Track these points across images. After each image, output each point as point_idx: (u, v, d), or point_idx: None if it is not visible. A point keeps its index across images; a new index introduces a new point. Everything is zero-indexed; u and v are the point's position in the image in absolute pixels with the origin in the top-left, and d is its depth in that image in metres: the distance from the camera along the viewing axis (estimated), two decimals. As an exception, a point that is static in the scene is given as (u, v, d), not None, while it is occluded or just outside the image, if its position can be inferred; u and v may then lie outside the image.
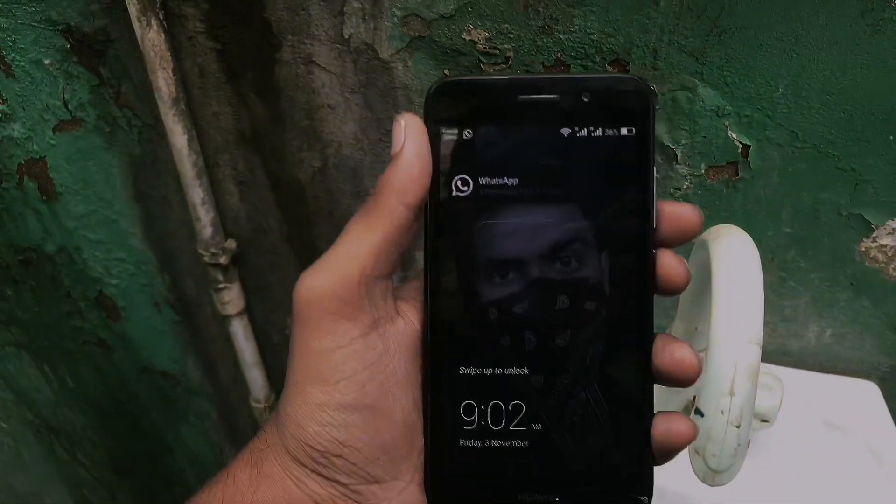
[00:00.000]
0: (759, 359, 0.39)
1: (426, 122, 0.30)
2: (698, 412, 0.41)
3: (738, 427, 0.39)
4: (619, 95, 0.30)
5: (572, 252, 0.31)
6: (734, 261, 0.41)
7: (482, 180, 0.31)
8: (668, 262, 0.31)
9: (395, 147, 0.30)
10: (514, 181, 0.30)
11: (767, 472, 0.61)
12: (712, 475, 0.41)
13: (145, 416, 1.08)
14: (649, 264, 0.31)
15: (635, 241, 0.31)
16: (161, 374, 1.01)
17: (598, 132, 0.30)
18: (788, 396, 0.59)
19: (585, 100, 0.30)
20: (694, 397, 0.47)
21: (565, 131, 0.30)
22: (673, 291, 0.31)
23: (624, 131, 0.30)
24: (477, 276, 0.31)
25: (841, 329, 0.69)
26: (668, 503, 0.58)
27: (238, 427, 1.08)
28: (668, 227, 0.31)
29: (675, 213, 0.31)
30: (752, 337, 0.39)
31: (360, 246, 0.30)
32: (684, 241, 0.32)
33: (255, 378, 0.92)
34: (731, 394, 0.39)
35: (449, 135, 0.30)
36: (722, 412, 0.39)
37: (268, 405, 0.95)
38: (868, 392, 0.68)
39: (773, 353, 0.72)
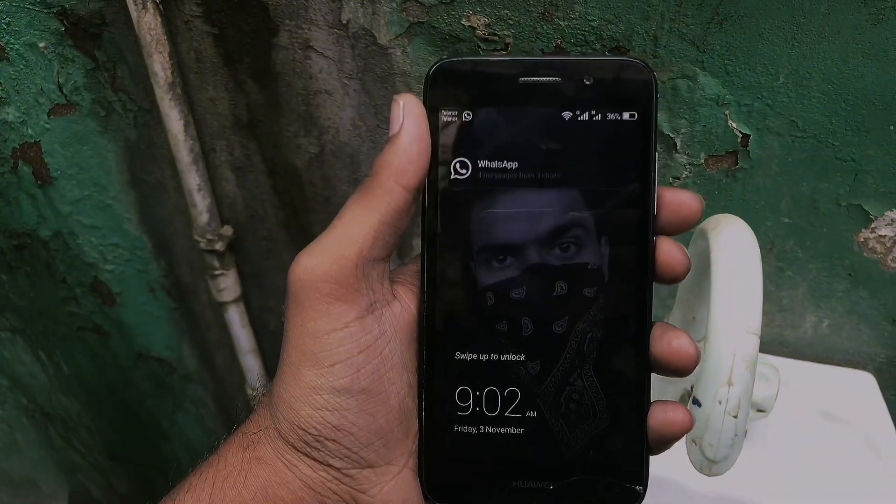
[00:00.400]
0: (758, 349, 0.39)
1: (425, 103, 0.30)
2: (696, 402, 0.41)
3: (735, 417, 0.39)
4: (622, 78, 0.29)
5: (571, 238, 0.30)
6: (734, 250, 0.41)
7: (481, 163, 0.30)
8: (668, 250, 0.31)
9: (394, 128, 0.29)
10: (514, 164, 0.30)
11: (763, 462, 0.61)
12: (709, 465, 0.41)
13: (141, 403, 1.08)
14: (649, 251, 0.30)
15: (635, 227, 0.30)
16: (157, 360, 1.01)
17: (600, 116, 0.29)
18: (785, 387, 0.59)
19: (587, 82, 0.29)
20: (691, 387, 0.47)
21: (566, 114, 0.29)
22: (672, 279, 0.31)
23: (626, 115, 0.29)
24: (475, 261, 0.31)
25: (838, 319, 0.69)
26: (665, 492, 0.58)
27: (234, 415, 1.08)
28: (669, 215, 0.31)
29: (675, 200, 0.31)
30: (751, 327, 0.39)
31: (357, 227, 0.29)
32: (684, 229, 0.31)
33: (252, 365, 0.92)
34: (729, 384, 0.39)
35: (448, 116, 0.30)
36: (719, 402, 0.39)
37: (264, 393, 0.95)
38: (864, 383, 0.68)
39: (770, 344, 0.72)
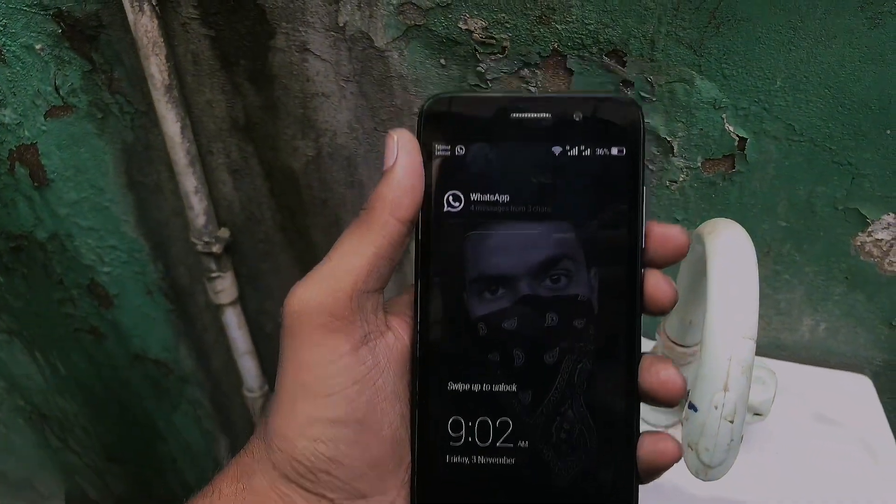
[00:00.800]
0: (754, 354, 0.39)
1: (419, 138, 0.30)
2: (692, 406, 0.41)
3: (731, 422, 0.39)
4: (610, 115, 0.30)
5: (561, 270, 0.31)
6: (730, 255, 0.41)
7: (473, 196, 0.31)
8: (656, 283, 0.31)
9: (388, 161, 0.30)
10: (505, 198, 0.31)
11: (760, 465, 0.61)
12: (705, 470, 0.41)
13: (137, 404, 1.08)
14: (637, 284, 0.31)
15: (624, 260, 0.31)
16: (153, 362, 1.01)
17: (589, 152, 0.30)
18: (781, 390, 0.59)
19: (577, 119, 0.30)
20: (688, 391, 0.47)
21: (556, 150, 0.30)
22: (660, 312, 0.32)
23: (614, 151, 0.30)
24: (466, 292, 0.31)
25: (835, 323, 0.69)
26: (662, 497, 0.58)
27: (230, 416, 1.08)
28: (656, 248, 0.31)
29: (663, 234, 0.31)
30: (747, 332, 0.39)
31: (352, 260, 0.30)
32: (671, 262, 0.32)
33: (248, 367, 0.92)
34: (725, 389, 0.39)
35: (441, 150, 0.31)
36: (715, 407, 0.39)
37: (261, 394, 0.95)
38: (861, 386, 0.69)
39: (767, 347, 0.72)
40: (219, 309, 0.86)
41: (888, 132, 0.55)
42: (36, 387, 1.07)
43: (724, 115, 0.57)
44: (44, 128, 0.76)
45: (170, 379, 1.04)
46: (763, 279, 0.65)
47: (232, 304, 0.86)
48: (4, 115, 0.74)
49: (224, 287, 0.84)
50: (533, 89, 0.60)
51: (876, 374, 0.70)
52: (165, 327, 0.96)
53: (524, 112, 0.30)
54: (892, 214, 0.59)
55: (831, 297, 0.67)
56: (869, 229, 0.61)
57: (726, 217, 0.46)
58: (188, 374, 1.03)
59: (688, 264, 0.50)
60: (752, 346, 0.39)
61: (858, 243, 0.62)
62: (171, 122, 0.71)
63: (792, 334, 0.71)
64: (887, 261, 0.62)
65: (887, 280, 0.64)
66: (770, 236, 0.64)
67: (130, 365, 1.01)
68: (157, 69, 0.68)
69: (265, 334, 0.92)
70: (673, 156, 0.60)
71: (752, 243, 0.42)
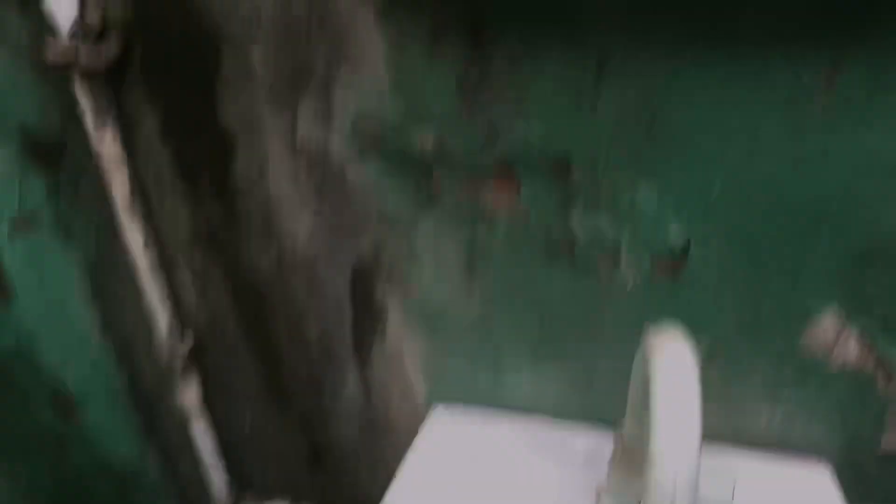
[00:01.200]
0: (699, 469, 0.40)
1: None
2: (643, 522, 0.41)
3: (681, 539, 0.40)
4: None
5: None
6: (671, 376, 0.42)
7: None
8: None
9: None
10: None
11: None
12: (659, 586, 0.41)
13: (103, 514, 1.06)
14: None
15: None
16: (119, 471, 0.99)
17: None
18: (741, 481, 0.59)
19: None
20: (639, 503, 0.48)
21: None
22: None
23: None
24: None
25: (791, 411, 0.70)
26: None
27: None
28: None
29: None
30: (690, 448, 0.40)
31: None
32: None
33: (215, 475, 0.91)
34: (673, 506, 0.39)
35: None
36: (665, 524, 0.40)
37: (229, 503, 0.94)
38: (820, 474, 0.69)
39: (726, 436, 0.73)
40: (184, 415, 0.86)
41: (825, 227, 0.58)
42: (-1, 497, 1.05)
43: (667, 221, 0.59)
44: (8, 242, 0.76)
45: (136, 488, 1.02)
46: (717, 372, 0.67)
47: (197, 410, 0.85)
48: (-32, 234, 0.75)
49: (190, 395, 0.83)
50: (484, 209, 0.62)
51: (834, 462, 0.71)
52: (131, 436, 0.95)
53: None
54: (835, 308, 0.61)
55: (784, 390, 0.68)
56: (815, 324, 0.63)
57: (676, 318, 0.47)
58: (155, 483, 1.01)
59: (638, 373, 0.51)
60: (696, 461, 0.40)
61: (806, 338, 0.64)
62: (135, 235, 0.72)
63: (750, 423, 0.72)
64: (834, 353, 0.64)
65: (836, 372, 0.65)
66: (719, 333, 0.65)
67: (96, 474, 0.99)
68: (119, 185, 0.69)
69: (231, 443, 0.91)
70: (621, 261, 0.62)
71: (693, 358, 0.43)
